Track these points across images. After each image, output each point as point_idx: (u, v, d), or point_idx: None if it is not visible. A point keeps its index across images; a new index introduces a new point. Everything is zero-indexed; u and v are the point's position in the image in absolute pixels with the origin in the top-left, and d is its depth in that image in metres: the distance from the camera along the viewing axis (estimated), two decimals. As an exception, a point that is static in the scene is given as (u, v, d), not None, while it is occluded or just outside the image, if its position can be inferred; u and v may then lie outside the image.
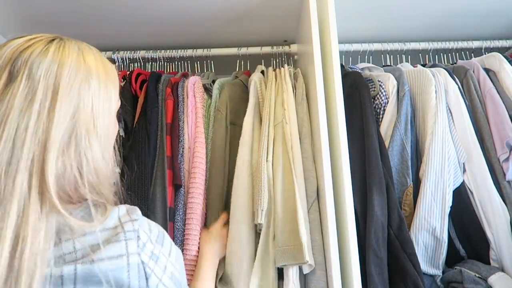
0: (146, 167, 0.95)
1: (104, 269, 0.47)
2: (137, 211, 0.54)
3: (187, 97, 1.07)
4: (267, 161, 0.92)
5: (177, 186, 0.97)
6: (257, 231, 0.91)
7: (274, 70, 1.11)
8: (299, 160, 0.93)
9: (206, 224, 0.96)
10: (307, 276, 0.85)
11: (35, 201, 0.45)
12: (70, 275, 0.46)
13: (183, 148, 1.02)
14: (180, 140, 1.02)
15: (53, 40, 0.55)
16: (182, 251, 0.91)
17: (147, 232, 0.52)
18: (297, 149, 0.94)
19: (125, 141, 1.00)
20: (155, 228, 0.55)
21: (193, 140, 1.02)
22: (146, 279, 0.50)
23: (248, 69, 1.32)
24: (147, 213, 0.90)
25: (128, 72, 1.17)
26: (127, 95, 1.07)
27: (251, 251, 0.88)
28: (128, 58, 1.32)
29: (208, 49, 1.31)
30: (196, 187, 0.95)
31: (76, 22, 1.23)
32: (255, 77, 1.09)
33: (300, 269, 0.85)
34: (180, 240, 0.93)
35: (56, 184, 0.48)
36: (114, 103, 0.60)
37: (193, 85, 1.09)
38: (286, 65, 1.11)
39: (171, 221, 0.94)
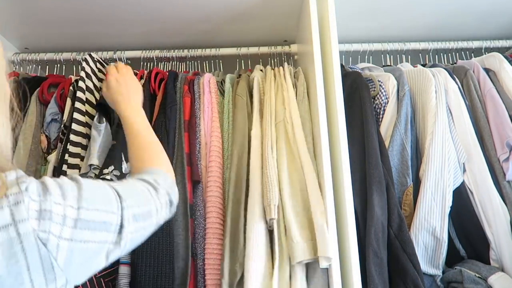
0: None
1: None
2: (27, 177, 0.45)
3: (203, 94, 1.09)
4: (272, 157, 0.93)
5: (195, 182, 0.98)
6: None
7: (273, 69, 1.12)
8: (307, 157, 0.93)
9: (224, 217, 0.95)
10: (309, 273, 0.85)
11: None
12: None
13: (199, 144, 1.03)
14: (197, 137, 1.03)
15: None
16: (204, 245, 0.92)
17: (33, 191, 0.43)
18: (303, 147, 0.94)
19: None
20: (34, 182, 0.45)
21: (209, 135, 1.03)
22: (44, 245, 0.42)
23: (249, 68, 1.32)
24: None
25: (146, 72, 1.17)
26: (146, 93, 1.07)
27: (268, 249, 0.87)
28: (127, 58, 1.32)
29: (210, 49, 1.31)
30: (214, 181, 0.96)
31: (76, 21, 1.23)
32: (258, 74, 1.11)
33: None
34: (201, 235, 0.93)
35: None
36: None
37: (209, 81, 1.11)
38: (286, 64, 1.12)
39: (192, 217, 0.94)
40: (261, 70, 1.16)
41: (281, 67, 1.11)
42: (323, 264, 0.82)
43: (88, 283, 0.83)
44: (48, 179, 0.46)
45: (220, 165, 0.99)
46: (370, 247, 0.85)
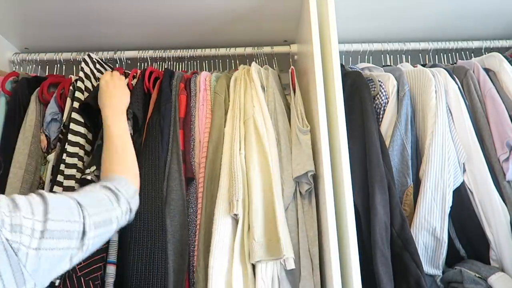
0: (160, 162, 0.96)
1: None
2: None
3: (199, 91, 1.10)
4: (240, 153, 0.94)
5: (189, 180, 0.99)
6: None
7: (244, 68, 1.14)
8: (276, 157, 0.95)
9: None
10: (300, 273, 0.86)
11: None
12: None
13: (194, 142, 1.03)
14: (191, 134, 1.04)
15: None
16: (194, 241, 0.93)
17: (4, 207, 0.49)
18: (273, 146, 0.96)
19: (136, 138, 1.00)
20: (4, 199, 0.51)
21: (202, 132, 1.04)
22: (15, 254, 0.47)
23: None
24: (163, 207, 0.91)
25: (139, 71, 1.16)
26: (139, 92, 1.07)
27: (232, 243, 0.88)
28: (127, 58, 1.32)
29: (210, 49, 1.31)
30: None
31: (76, 22, 1.23)
32: (237, 73, 1.12)
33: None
34: (193, 232, 0.94)
35: None
36: None
37: (205, 79, 1.12)
38: (253, 63, 1.13)
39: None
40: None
41: (250, 66, 1.12)
42: (290, 265, 0.83)
43: (68, 282, 0.83)
44: (18, 196, 0.52)
45: None
46: (377, 246, 0.85)
